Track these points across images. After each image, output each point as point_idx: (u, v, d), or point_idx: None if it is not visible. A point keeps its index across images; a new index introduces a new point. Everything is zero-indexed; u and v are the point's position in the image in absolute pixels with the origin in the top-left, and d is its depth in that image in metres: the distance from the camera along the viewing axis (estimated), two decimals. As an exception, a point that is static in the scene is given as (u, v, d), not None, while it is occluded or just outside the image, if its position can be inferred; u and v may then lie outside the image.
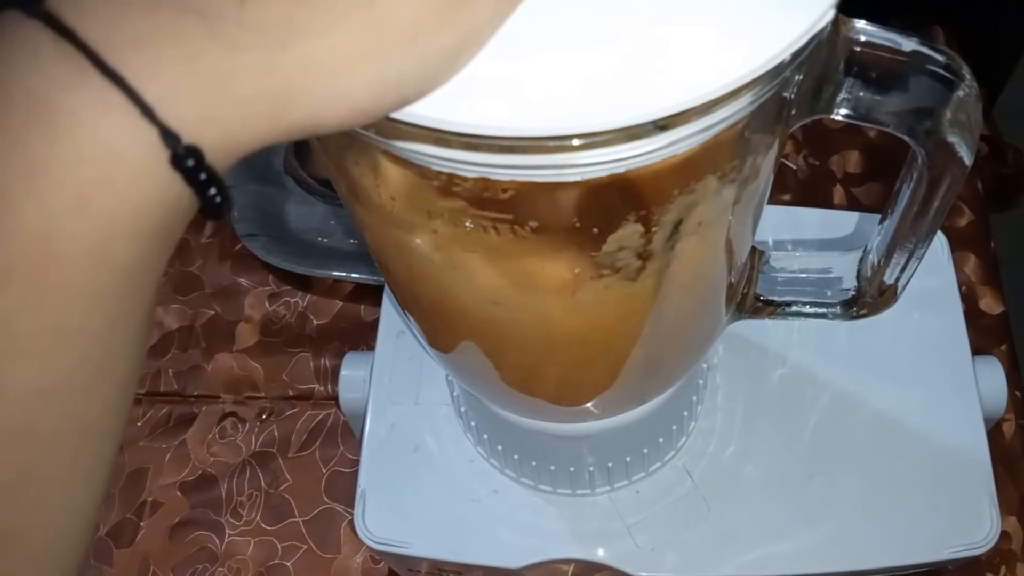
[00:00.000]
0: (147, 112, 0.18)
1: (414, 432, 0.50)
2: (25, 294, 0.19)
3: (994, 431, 0.56)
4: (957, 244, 0.67)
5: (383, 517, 0.47)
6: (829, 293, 0.40)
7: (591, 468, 0.46)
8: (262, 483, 0.64)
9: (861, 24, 0.26)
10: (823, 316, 0.41)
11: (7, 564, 0.22)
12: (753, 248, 0.39)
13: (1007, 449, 0.61)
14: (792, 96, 0.25)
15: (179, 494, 0.65)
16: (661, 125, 0.21)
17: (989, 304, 0.67)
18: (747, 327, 0.46)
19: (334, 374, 0.68)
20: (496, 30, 0.21)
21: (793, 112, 0.27)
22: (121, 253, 0.19)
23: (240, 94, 0.19)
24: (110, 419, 0.22)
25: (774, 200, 0.48)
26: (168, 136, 0.18)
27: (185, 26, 0.18)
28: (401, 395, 0.51)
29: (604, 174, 0.23)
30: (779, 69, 0.22)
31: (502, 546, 0.46)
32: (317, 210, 0.73)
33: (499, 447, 0.47)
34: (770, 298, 0.41)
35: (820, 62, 0.26)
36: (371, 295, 0.71)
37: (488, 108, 0.21)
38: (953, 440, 0.48)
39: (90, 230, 0.19)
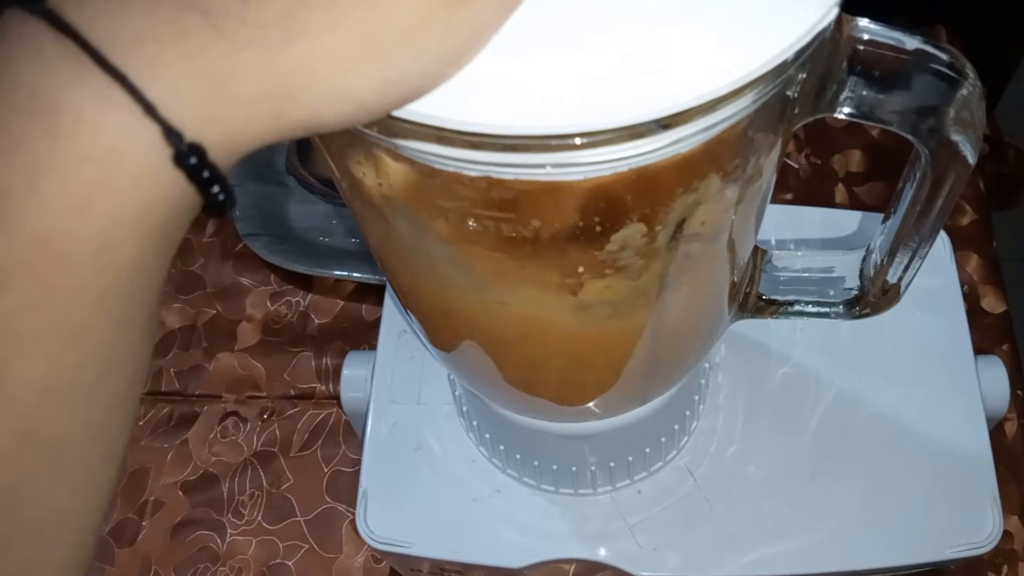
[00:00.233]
0: (149, 110, 0.18)
1: (416, 431, 0.50)
2: (29, 294, 0.19)
3: (996, 431, 0.56)
4: (959, 243, 0.67)
5: (385, 516, 0.47)
6: (832, 292, 0.40)
7: (593, 468, 0.46)
8: (264, 482, 0.64)
9: (864, 22, 0.26)
10: (825, 315, 0.41)
11: (14, 565, 0.22)
12: (756, 247, 0.39)
13: (1009, 449, 0.61)
14: (795, 95, 0.25)
15: (181, 493, 0.65)
16: (664, 124, 0.21)
17: (991, 303, 0.67)
18: (749, 326, 0.46)
19: (336, 373, 0.68)
20: (499, 28, 0.21)
21: (796, 111, 0.27)
22: (125, 252, 0.19)
23: (243, 92, 0.19)
24: (116, 419, 0.22)
25: (776, 199, 0.48)
26: (171, 134, 0.18)
27: (188, 24, 0.18)
28: (403, 394, 0.51)
29: (607, 173, 0.23)
30: (782, 68, 0.22)
31: (504, 546, 0.46)
32: (319, 209, 0.73)
33: (501, 447, 0.47)
34: (772, 297, 0.40)
35: (823, 61, 0.26)
36: (373, 294, 0.71)
37: (491, 107, 0.21)
38: (955, 439, 0.47)
39: (94, 229, 0.18)
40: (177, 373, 0.69)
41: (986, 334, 0.65)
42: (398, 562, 0.52)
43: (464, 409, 0.49)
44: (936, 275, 0.51)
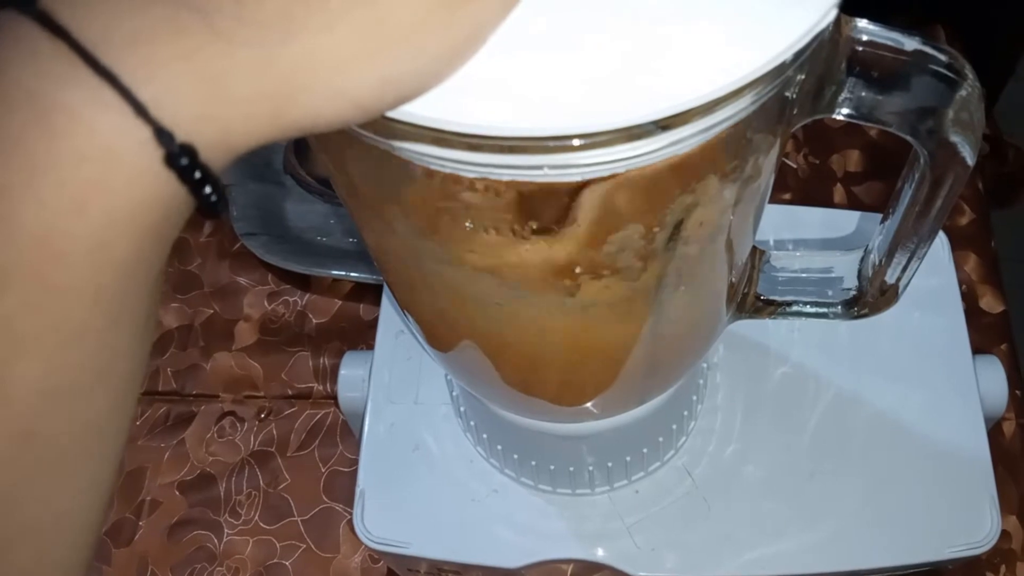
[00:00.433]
0: (140, 110, 0.18)
1: (413, 431, 0.50)
2: (27, 294, 0.19)
3: (994, 430, 0.56)
4: (958, 243, 0.67)
5: (382, 517, 0.47)
6: (830, 293, 0.40)
7: (591, 468, 0.46)
8: (261, 482, 0.64)
9: (863, 23, 0.26)
10: (824, 316, 0.41)
11: (14, 566, 0.22)
12: (754, 248, 0.39)
13: (1007, 448, 0.61)
14: (794, 96, 0.25)
15: (178, 493, 0.65)
16: (662, 125, 0.21)
17: (990, 303, 0.67)
18: (748, 326, 0.46)
19: (333, 373, 0.67)
20: (497, 27, 0.21)
21: (795, 112, 0.27)
22: (121, 251, 0.19)
23: (239, 91, 0.19)
24: (115, 418, 0.22)
25: (774, 199, 0.48)
26: (162, 135, 0.18)
27: (183, 23, 0.18)
28: (400, 394, 0.51)
29: (605, 174, 0.23)
30: (781, 69, 0.22)
31: (501, 546, 0.46)
32: (316, 209, 0.73)
33: (498, 447, 0.47)
34: (771, 298, 0.40)
35: (822, 62, 0.26)
36: (370, 294, 0.71)
37: (489, 108, 0.21)
38: (953, 439, 0.47)
39: (90, 229, 0.18)
40: (174, 373, 0.69)
41: (984, 334, 0.65)
42: (395, 562, 0.52)
43: (462, 409, 0.49)
44: (934, 275, 0.51)
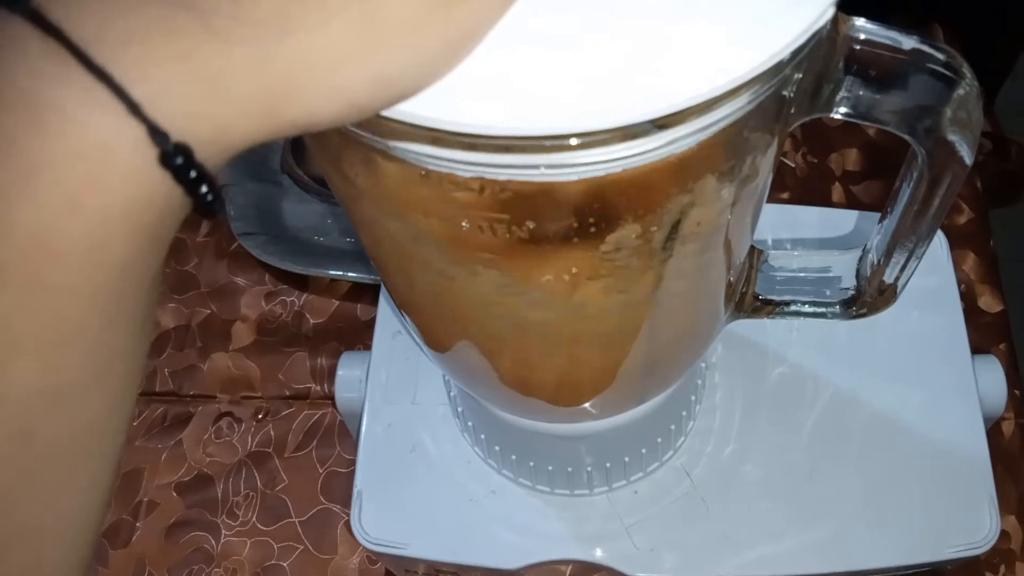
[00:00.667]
0: (134, 109, 0.18)
1: (411, 432, 0.50)
2: (22, 294, 0.18)
3: (993, 430, 0.56)
4: (956, 242, 0.67)
5: (380, 517, 0.47)
6: (828, 292, 0.40)
7: (589, 468, 0.45)
8: (258, 483, 0.64)
9: (861, 22, 0.26)
10: (822, 315, 0.41)
11: (11, 568, 0.22)
12: (752, 247, 0.39)
13: (1006, 448, 0.61)
14: (791, 95, 0.25)
15: (175, 494, 0.64)
16: (659, 124, 0.21)
17: (988, 302, 0.67)
18: (746, 326, 0.46)
19: (330, 374, 0.67)
20: (493, 25, 0.21)
21: (792, 111, 0.27)
22: (117, 251, 0.19)
23: (234, 90, 0.19)
24: (113, 419, 0.22)
25: (772, 198, 0.48)
26: (156, 134, 0.18)
27: (177, 21, 0.18)
28: (398, 395, 0.51)
29: (602, 174, 0.22)
30: (778, 68, 0.22)
31: (500, 547, 0.46)
32: (314, 209, 0.73)
33: (496, 447, 0.47)
34: (769, 297, 0.40)
35: (819, 60, 0.26)
36: (368, 294, 0.71)
37: (485, 107, 0.21)
38: (952, 439, 0.47)
39: (85, 229, 0.18)
40: (171, 373, 0.69)
41: (983, 333, 0.65)
42: (393, 563, 0.52)
43: (459, 410, 0.49)
44: (933, 274, 0.51)
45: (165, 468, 0.65)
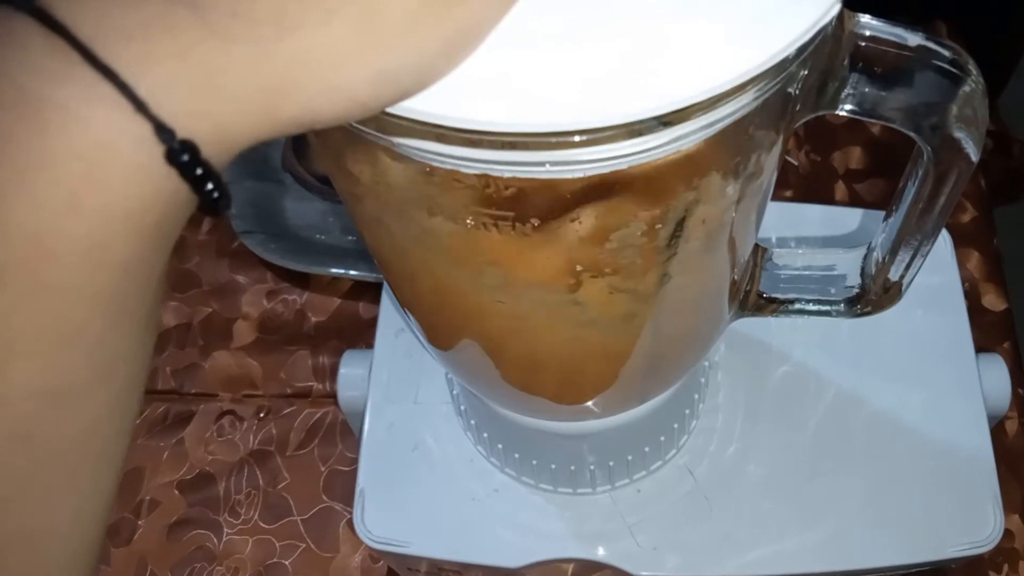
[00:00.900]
0: (140, 106, 0.17)
1: (413, 431, 0.50)
2: (23, 294, 0.18)
3: (997, 429, 0.56)
4: (960, 241, 0.66)
5: (382, 516, 0.47)
6: (833, 290, 0.40)
7: (592, 467, 0.45)
8: (260, 482, 0.64)
9: (866, 19, 0.26)
10: (826, 314, 0.40)
11: (14, 567, 0.22)
12: (756, 245, 0.39)
13: (1010, 447, 0.61)
14: (796, 92, 0.25)
15: (177, 493, 0.64)
16: (664, 121, 0.21)
17: (992, 301, 0.67)
18: (750, 325, 0.46)
19: (332, 372, 0.67)
20: (496, 23, 0.21)
21: (797, 108, 0.27)
22: (118, 251, 0.19)
23: (235, 88, 0.18)
24: (116, 420, 0.22)
25: (775, 196, 0.47)
26: (162, 130, 0.18)
27: (177, 19, 0.18)
28: (400, 393, 0.51)
29: (607, 171, 0.22)
30: (784, 64, 0.22)
31: (502, 545, 0.46)
32: (315, 207, 0.73)
33: (499, 446, 0.46)
34: (773, 295, 0.40)
35: (825, 57, 0.26)
36: (370, 292, 0.71)
37: (489, 104, 0.20)
38: (956, 438, 0.47)
39: (85, 228, 0.18)
40: (173, 371, 0.69)
41: (987, 332, 0.65)
42: (395, 562, 0.52)
43: (462, 408, 0.48)
44: (937, 273, 0.51)
45: (167, 466, 0.65)
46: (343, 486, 0.63)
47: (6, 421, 0.19)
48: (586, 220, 0.24)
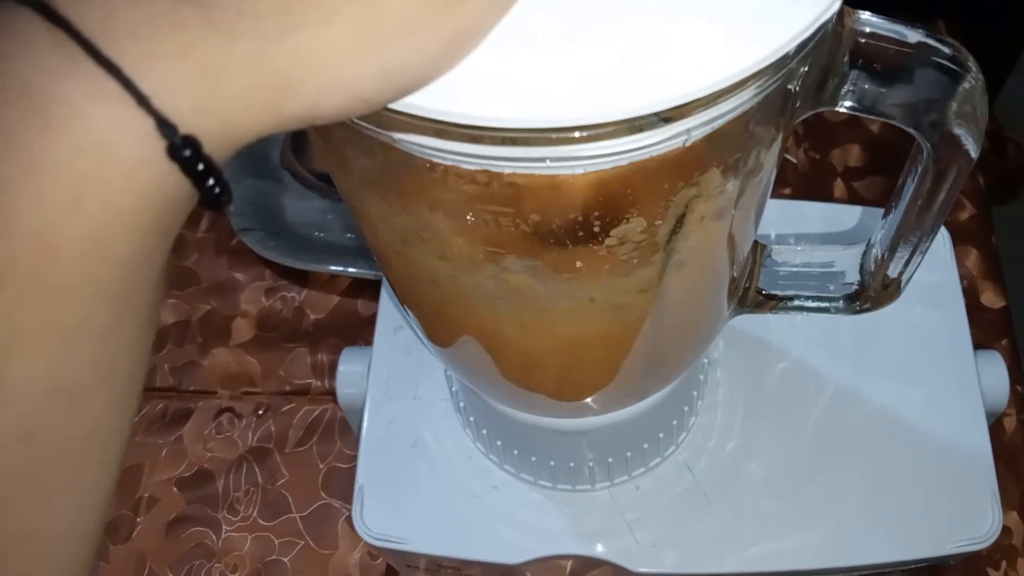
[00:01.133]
0: (143, 101, 0.17)
1: (412, 427, 0.50)
2: (25, 291, 0.18)
3: (995, 426, 0.56)
4: (959, 238, 0.67)
5: (381, 513, 0.47)
6: (832, 287, 0.40)
7: (591, 464, 0.45)
8: (259, 479, 0.64)
9: (866, 15, 0.26)
10: (825, 310, 0.40)
11: (15, 567, 0.22)
12: (755, 242, 0.39)
13: (1008, 444, 0.61)
14: (797, 88, 0.25)
15: (175, 490, 0.64)
16: (665, 117, 0.21)
17: (990, 298, 0.67)
18: (749, 321, 0.46)
19: (331, 369, 0.67)
20: (498, 20, 0.21)
21: (798, 104, 0.27)
22: (121, 247, 0.19)
23: (238, 84, 0.18)
24: (117, 417, 0.22)
25: (774, 194, 0.48)
26: (164, 126, 0.18)
27: (181, 16, 0.18)
28: (399, 390, 0.51)
29: (607, 167, 0.22)
30: (784, 61, 0.22)
31: (501, 542, 0.46)
32: (314, 204, 0.72)
33: (498, 443, 0.46)
34: (772, 292, 0.40)
35: (825, 54, 0.26)
36: (369, 289, 0.71)
37: (490, 100, 0.21)
38: (955, 435, 0.47)
39: (88, 224, 0.18)
40: (172, 369, 0.69)
41: (985, 329, 0.65)
42: (395, 559, 0.52)
43: (461, 405, 0.48)
44: (936, 270, 0.51)
45: (165, 464, 0.65)
46: (342, 483, 0.63)
47: (7, 421, 0.19)
48: (586, 216, 0.24)
